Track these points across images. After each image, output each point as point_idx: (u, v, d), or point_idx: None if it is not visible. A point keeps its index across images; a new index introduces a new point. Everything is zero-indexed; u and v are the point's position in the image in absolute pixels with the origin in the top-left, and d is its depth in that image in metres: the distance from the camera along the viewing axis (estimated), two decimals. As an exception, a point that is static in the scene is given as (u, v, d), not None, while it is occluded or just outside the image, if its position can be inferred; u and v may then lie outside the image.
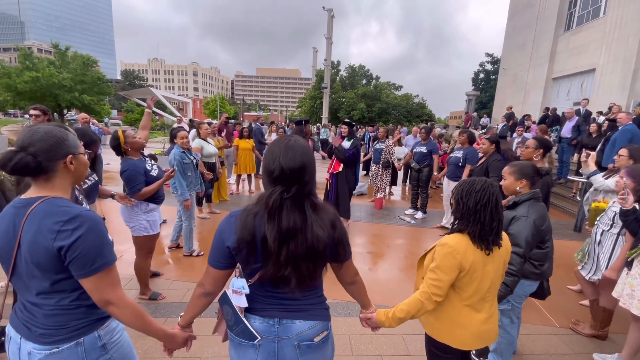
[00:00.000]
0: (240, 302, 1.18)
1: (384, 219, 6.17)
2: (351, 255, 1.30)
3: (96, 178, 2.52)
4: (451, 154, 5.49)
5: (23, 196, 1.16)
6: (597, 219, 2.86)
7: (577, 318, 3.07)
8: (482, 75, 37.92)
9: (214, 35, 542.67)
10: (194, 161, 4.11)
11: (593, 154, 3.58)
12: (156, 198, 3.04)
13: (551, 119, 11.66)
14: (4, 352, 1.26)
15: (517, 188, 2.14)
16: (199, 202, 5.62)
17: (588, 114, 9.85)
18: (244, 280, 1.18)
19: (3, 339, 1.27)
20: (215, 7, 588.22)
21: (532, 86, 17.47)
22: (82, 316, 1.15)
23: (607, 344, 2.79)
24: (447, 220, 5.58)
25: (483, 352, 2.34)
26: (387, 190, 8.01)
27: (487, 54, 36.79)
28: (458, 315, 1.54)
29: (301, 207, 1.13)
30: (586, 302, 3.28)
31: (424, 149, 6.16)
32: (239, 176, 7.64)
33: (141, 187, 2.85)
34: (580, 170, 4.11)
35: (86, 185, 1.87)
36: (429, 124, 12.53)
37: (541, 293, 2.34)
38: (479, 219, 1.45)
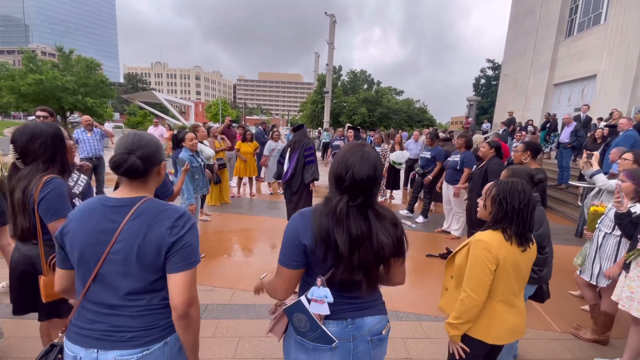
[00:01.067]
0: (321, 310, 1.19)
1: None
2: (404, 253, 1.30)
3: (86, 179, 2.21)
4: (448, 159, 5.51)
5: (115, 195, 1.19)
6: (598, 222, 2.86)
7: (578, 323, 3.06)
8: (483, 81, 38.01)
9: (217, 39, 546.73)
10: (202, 164, 4.14)
11: (596, 153, 3.59)
12: None
13: (552, 125, 11.71)
14: None
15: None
16: (202, 204, 5.64)
17: (588, 119, 9.88)
18: (327, 289, 1.18)
19: (60, 356, 1.21)
20: (218, 11, 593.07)
21: (533, 92, 17.52)
22: (169, 315, 1.15)
23: (608, 349, 2.78)
24: (449, 224, 5.58)
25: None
26: (388, 194, 8.03)
27: (488, 60, 36.91)
28: (493, 312, 1.59)
29: (366, 216, 1.16)
30: (587, 307, 3.27)
31: (428, 155, 6.17)
32: (239, 179, 7.65)
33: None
34: (582, 171, 4.11)
35: (80, 188, 1.90)
36: (431, 128, 12.56)
37: (540, 296, 2.36)
38: (522, 217, 1.53)
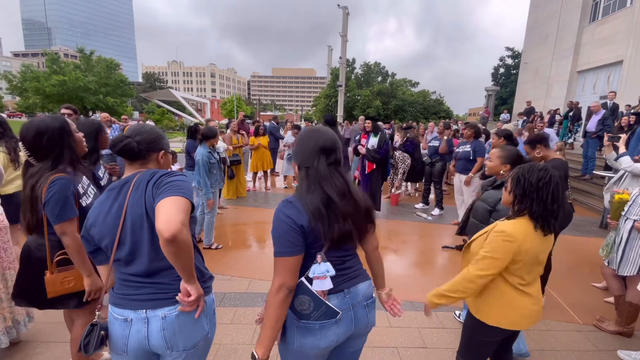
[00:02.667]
0: (324, 285, 1.22)
1: (400, 215, 6.13)
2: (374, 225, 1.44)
3: (94, 191, 1.97)
4: (458, 149, 5.42)
5: (117, 182, 1.32)
6: (625, 209, 2.74)
7: (601, 315, 2.97)
8: (502, 70, 36.80)
9: (232, 36, 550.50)
10: (219, 159, 4.22)
11: (624, 136, 3.43)
12: None
13: (576, 114, 11.26)
14: (104, 346, 1.29)
15: (501, 171, 2.34)
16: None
17: (615, 107, 9.43)
18: (328, 263, 1.22)
19: (104, 333, 1.27)
20: (233, 9, 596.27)
21: (555, 80, 16.85)
22: (200, 276, 1.29)
23: (632, 341, 2.69)
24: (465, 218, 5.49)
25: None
26: (409, 187, 7.93)
27: (508, 48, 35.63)
28: (508, 298, 1.57)
29: (341, 174, 1.31)
30: (611, 299, 3.17)
31: (436, 143, 6.10)
32: (254, 174, 7.75)
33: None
34: (604, 155, 3.92)
35: (89, 200, 1.82)
36: (449, 120, 12.33)
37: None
38: (541, 197, 1.46)
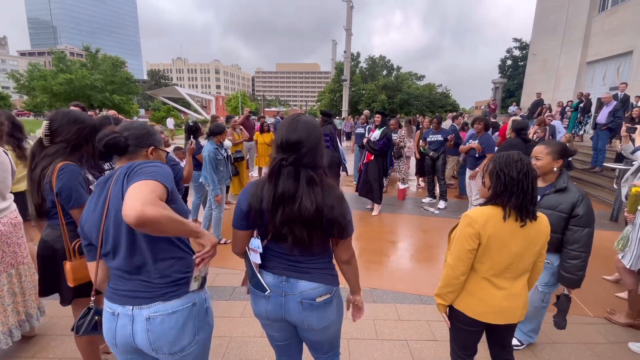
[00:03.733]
0: (255, 258, 1.37)
1: (407, 209, 6.12)
2: (349, 236, 1.36)
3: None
4: (466, 143, 5.38)
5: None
6: None
7: (612, 308, 2.95)
8: (509, 62, 36.24)
9: (236, 32, 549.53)
10: (226, 155, 4.25)
11: (639, 127, 3.32)
12: None
13: (586, 106, 11.08)
14: (97, 332, 1.37)
15: (554, 168, 2.17)
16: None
17: (626, 98, 9.25)
18: (259, 240, 1.35)
19: (97, 318, 1.36)
20: (238, 5, 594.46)
21: (564, 72, 16.59)
22: (187, 269, 1.27)
23: (644, 334, 2.67)
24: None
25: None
26: (419, 181, 7.89)
27: (515, 39, 35.03)
28: (474, 287, 1.58)
29: (297, 177, 1.25)
30: (623, 294, 3.14)
31: (439, 137, 6.12)
32: (260, 169, 7.80)
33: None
34: (620, 147, 3.82)
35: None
36: (455, 113, 12.19)
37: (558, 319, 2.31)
38: (522, 188, 1.45)
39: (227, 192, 5.69)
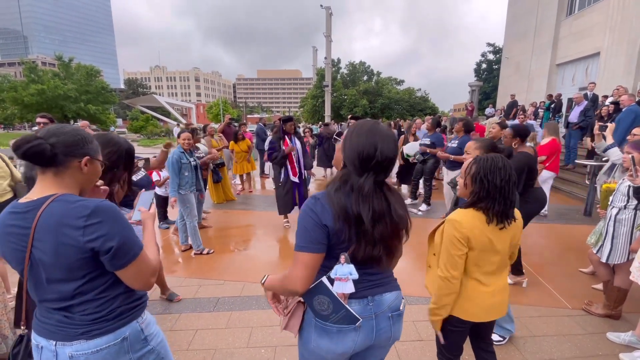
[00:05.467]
0: (345, 288, 1.17)
1: (391, 211, 6.17)
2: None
3: None
4: (447, 144, 5.46)
5: (24, 198, 1.08)
6: (610, 199, 2.82)
7: (589, 299, 3.05)
8: (484, 66, 37.43)
9: (216, 39, 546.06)
10: (193, 163, 4.15)
11: (611, 125, 3.46)
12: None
13: (557, 106, 11.54)
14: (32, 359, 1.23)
15: None
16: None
17: (595, 97, 9.70)
18: (351, 266, 1.16)
19: (30, 344, 1.22)
20: (217, 12, 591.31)
21: (536, 74, 17.26)
22: (118, 304, 1.15)
23: (620, 323, 2.77)
24: (450, 210, 5.56)
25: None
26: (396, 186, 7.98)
27: (489, 44, 36.25)
28: (465, 289, 1.58)
29: (382, 191, 1.19)
30: (598, 285, 3.25)
31: (427, 141, 6.10)
32: (240, 176, 7.74)
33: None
34: (593, 144, 3.98)
35: None
36: (436, 116, 12.50)
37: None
38: (504, 195, 1.47)
39: (198, 200, 5.59)
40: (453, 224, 1.52)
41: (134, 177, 2.30)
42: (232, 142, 7.38)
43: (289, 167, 4.99)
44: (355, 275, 1.15)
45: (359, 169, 1.15)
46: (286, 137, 4.90)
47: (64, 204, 1.03)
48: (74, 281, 1.06)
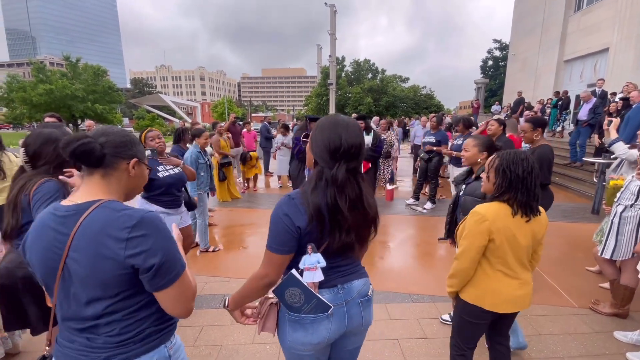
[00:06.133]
0: (315, 277, 1.20)
1: (395, 209, 6.17)
2: None
3: None
4: (452, 142, 5.47)
5: (67, 201, 1.02)
6: (617, 196, 2.79)
7: (596, 298, 3.02)
8: (490, 63, 37.11)
9: (221, 38, 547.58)
10: (208, 162, 4.22)
11: (616, 120, 3.42)
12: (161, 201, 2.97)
13: (564, 103, 11.40)
14: None
15: (479, 160, 2.33)
16: (189, 209, 5.73)
17: (604, 94, 9.56)
18: (318, 254, 1.19)
19: None
20: (222, 11, 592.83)
21: (543, 70, 17.05)
22: (148, 324, 1.04)
23: (627, 322, 2.75)
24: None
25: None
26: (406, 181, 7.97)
27: (495, 40, 35.94)
28: (489, 280, 1.62)
29: (357, 180, 1.22)
30: (606, 284, 3.22)
31: (432, 139, 6.08)
32: (247, 179, 7.80)
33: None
34: (603, 140, 3.93)
35: None
36: (439, 113, 12.43)
37: None
38: (527, 186, 1.52)
39: (208, 199, 5.65)
40: (475, 216, 1.58)
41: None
42: (241, 165, 7.63)
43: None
44: (323, 263, 1.19)
45: (330, 161, 1.17)
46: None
47: (109, 211, 0.96)
48: (105, 299, 0.96)
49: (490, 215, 1.54)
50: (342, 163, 1.17)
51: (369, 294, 1.35)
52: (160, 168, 2.93)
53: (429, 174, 6.18)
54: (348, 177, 1.18)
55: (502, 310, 1.64)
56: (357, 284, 1.31)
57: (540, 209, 1.63)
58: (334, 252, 1.22)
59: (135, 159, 1.08)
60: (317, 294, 1.20)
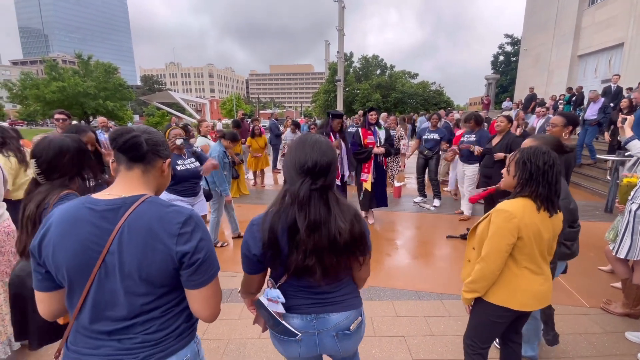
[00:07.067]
0: (277, 308, 1.23)
1: (403, 207, 6.14)
2: (370, 251, 1.28)
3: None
4: (463, 139, 5.38)
5: (104, 195, 0.98)
6: (631, 194, 2.73)
7: (608, 298, 2.97)
8: (502, 58, 36.47)
9: (229, 35, 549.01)
10: (229, 161, 4.35)
11: (631, 117, 3.32)
12: (180, 190, 3.28)
13: (578, 99, 11.16)
14: None
15: (563, 134, 2.29)
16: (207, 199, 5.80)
17: (619, 90, 9.32)
18: (277, 291, 1.22)
19: None
20: (231, 8, 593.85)
21: (556, 65, 16.71)
22: (183, 321, 1.05)
23: (639, 323, 2.70)
24: (467, 205, 5.48)
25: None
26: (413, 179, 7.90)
27: (507, 35, 35.29)
28: (515, 279, 1.59)
29: (326, 200, 1.16)
30: (618, 284, 3.17)
31: (435, 136, 6.01)
32: (254, 172, 7.85)
33: None
34: (619, 138, 3.83)
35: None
36: (433, 114, 12.31)
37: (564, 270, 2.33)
38: (547, 179, 1.50)
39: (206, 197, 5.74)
40: (502, 214, 1.54)
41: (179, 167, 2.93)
42: (249, 138, 7.53)
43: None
44: (282, 300, 1.22)
45: (295, 178, 1.16)
46: (332, 135, 4.55)
47: (157, 206, 0.97)
48: (148, 295, 0.95)
49: (518, 212, 1.51)
50: (306, 180, 1.14)
51: (351, 328, 1.29)
52: (179, 162, 3.25)
53: (429, 174, 6.10)
54: (312, 195, 1.13)
55: (530, 309, 1.62)
56: (334, 318, 1.26)
57: None
58: (294, 272, 1.18)
59: (169, 159, 1.13)
60: (282, 322, 1.23)
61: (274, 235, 1.13)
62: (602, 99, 8.07)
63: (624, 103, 7.00)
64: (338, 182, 4.67)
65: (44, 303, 1.02)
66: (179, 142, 3.19)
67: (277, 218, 1.14)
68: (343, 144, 4.65)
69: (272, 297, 1.23)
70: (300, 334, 1.23)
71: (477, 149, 4.66)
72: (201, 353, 1.14)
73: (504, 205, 1.56)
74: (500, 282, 1.61)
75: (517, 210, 1.52)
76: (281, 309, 1.23)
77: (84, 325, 0.96)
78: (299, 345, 1.27)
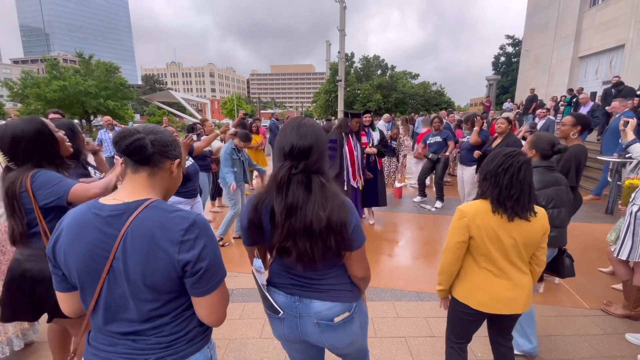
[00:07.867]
0: (261, 279, 1.28)
1: (404, 207, 6.14)
2: (357, 249, 1.22)
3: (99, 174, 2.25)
4: (462, 140, 5.39)
5: (109, 200, 0.97)
6: (632, 196, 2.73)
7: (608, 299, 2.98)
8: (503, 59, 36.44)
9: (230, 35, 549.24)
10: (242, 159, 4.35)
11: (633, 120, 3.32)
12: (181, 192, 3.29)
13: (578, 101, 11.15)
14: None
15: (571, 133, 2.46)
16: (213, 197, 5.87)
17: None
18: (259, 260, 1.27)
19: None
20: (232, 8, 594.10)
21: (557, 67, 16.72)
22: (196, 324, 1.03)
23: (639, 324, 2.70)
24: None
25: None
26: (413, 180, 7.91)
27: (508, 36, 35.27)
28: (475, 278, 1.63)
29: (308, 185, 1.16)
30: (618, 286, 3.17)
31: (438, 139, 6.00)
32: (251, 172, 7.82)
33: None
34: (620, 141, 3.82)
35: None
36: (433, 115, 12.29)
37: (560, 270, 2.32)
38: (498, 183, 1.51)
39: (212, 195, 5.80)
40: (457, 213, 1.60)
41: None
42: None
43: (349, 169, 4.44)
44: (262, 269, 1.28)
45: (277, 160, 1.23)
46: (349, 135, 4.44)
47: (160, 212, 0.94)
48: (154, 302, 0.94)
49: (470, 212, 1.55)
50: (287, 162, 1.17)
51: (335, 320, 1.25)
52: None
53: (435, 178, 6.09)
54: (292, 179, 1.15)
55: (491, 310, 1.60)
56: (316, 305, 1.25)
57: (540, 211, 1.56)
58: (279, 251, 1.23)
59: (178, 160, 1.07)
60: (266, 293, 1.28)
61: (257, 214, 1.19)
62: (591, 103, 8.29)
63: (609, 108, 7.08)
64: (355, 184, 4.57)
65: (65, 302, 1.05)
66: (195, 137, 3.25)
67: (262, 198, 1.20)
68: (358, 147, 4.53)
69: (256, 267, 1.27)
70: (282, 312, 1.27)
71: (477, 151, 4.69)
72: (214, 359, 1.12)
73: (463, 205, 1.62)
74: (462, 278, 1.68)
75: (469, 210, 1.56)
76: (263, 279, 1.28)
77: (99, 326, 0.98)
78: (282, 325, 1.31)
